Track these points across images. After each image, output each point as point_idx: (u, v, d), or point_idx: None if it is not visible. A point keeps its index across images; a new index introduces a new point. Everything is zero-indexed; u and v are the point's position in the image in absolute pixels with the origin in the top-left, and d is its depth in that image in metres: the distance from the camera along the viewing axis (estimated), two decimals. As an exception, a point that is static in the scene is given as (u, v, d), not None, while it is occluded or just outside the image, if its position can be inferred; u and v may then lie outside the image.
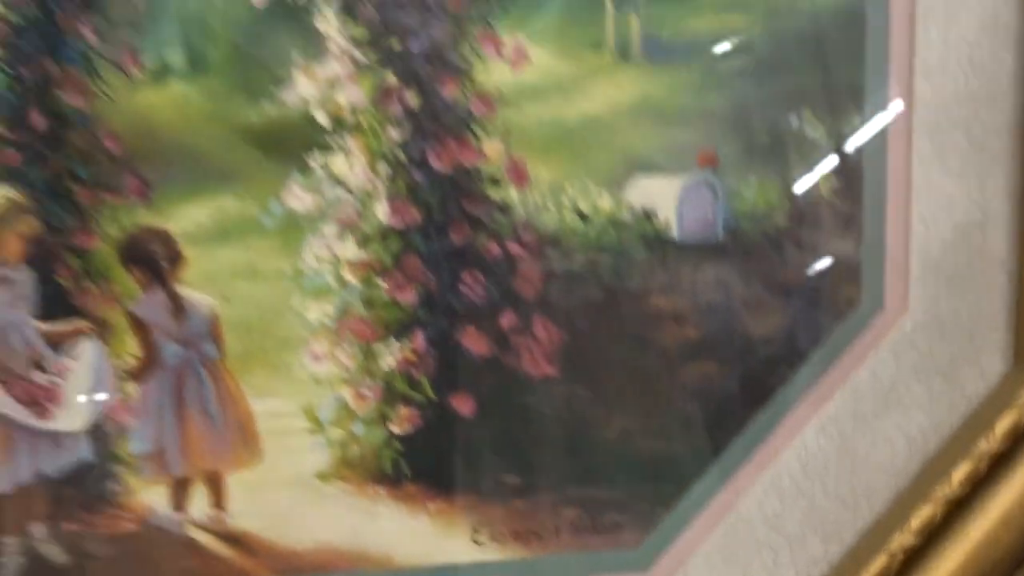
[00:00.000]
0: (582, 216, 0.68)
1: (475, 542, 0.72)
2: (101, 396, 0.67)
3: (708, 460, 0.73)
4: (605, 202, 0.69)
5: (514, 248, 0.69)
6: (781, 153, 0.70)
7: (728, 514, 0.73)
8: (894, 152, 0.71)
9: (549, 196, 0.69)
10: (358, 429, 0.70)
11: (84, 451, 0.68)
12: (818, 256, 0.71)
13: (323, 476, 0.70)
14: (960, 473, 0.72)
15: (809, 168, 0.70)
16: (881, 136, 0.71)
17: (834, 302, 0.72)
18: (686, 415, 0.71)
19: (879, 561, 0.72)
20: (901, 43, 0.70)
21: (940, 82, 0.71)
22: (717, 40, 0.68)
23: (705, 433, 0.72)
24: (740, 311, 0.71)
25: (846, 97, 0.71)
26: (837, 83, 0.70)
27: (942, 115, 0.71)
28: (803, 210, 0.71)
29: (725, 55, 0.68)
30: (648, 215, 0.69)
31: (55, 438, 0.67)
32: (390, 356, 0.69)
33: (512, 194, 0.68)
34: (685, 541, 0.73)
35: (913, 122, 0.71)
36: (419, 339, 0.69)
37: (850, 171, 0.71)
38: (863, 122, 0.71)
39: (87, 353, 0.67)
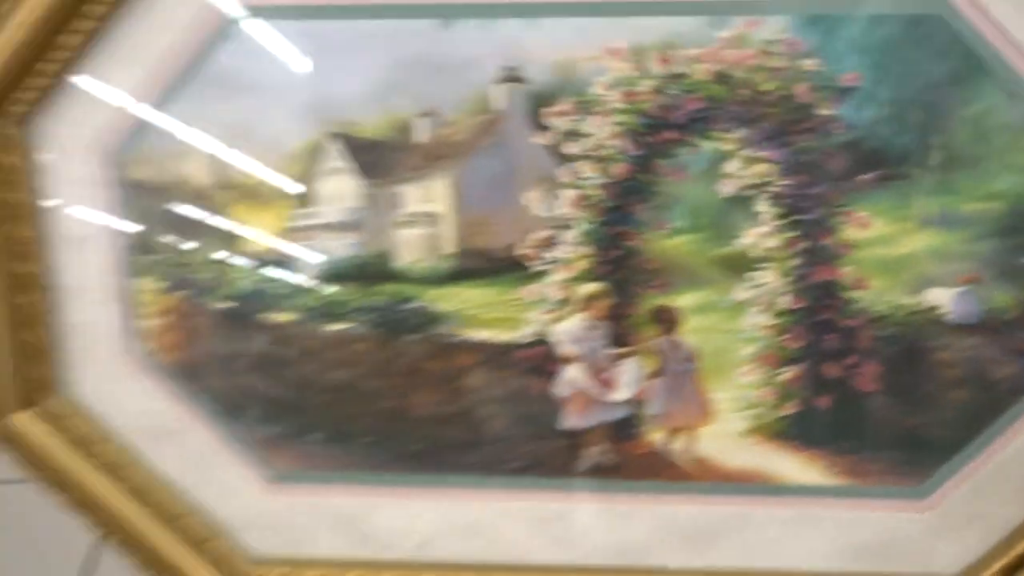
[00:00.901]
0: (897, 308, 1.33)
1: (827, 475, 1.41)
2: (636, 386, 1.42)
3: (965, 442, 1.37)
4: (910, 300, 1.33)
5: (855, 322, 1.35)
6: (1016, 278, 1.31)
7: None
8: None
9: (878, 297, 1.34)
10: (764, 411, 1.40)
11: (625, 411, 1.43)
12: (1039, 334, 1.32)
13: (743, 434, 1.40)
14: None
15: (1035, 286, 1.31)
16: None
17: (1045, 362, 1.33)
18: (950, 418, 1.35)
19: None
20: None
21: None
22: (982, 215, 1.30)
23: (962, 428, 1.36)
24: (986, 363, 1.33)
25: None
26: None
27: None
28: (1031, 308, 1.32)
29: (983, 223, 1.30)
30: (934, 308, 1.33)
31: (612, 404, 1.42)
32: (782, 376, 1.38)
33: (856, 295, 1.34)
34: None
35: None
36: (801, 368, 1.38)
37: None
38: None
39: (631, 364, 1.41)
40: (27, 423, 1.42)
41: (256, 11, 1.30)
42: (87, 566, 1.48)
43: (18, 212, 1.36)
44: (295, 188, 1.37)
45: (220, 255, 1.40)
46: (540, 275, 1.36)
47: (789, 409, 1.35)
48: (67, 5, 1.30)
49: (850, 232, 1.30)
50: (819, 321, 1.33)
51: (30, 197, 1.37)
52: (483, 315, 1.38)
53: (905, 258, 1.29)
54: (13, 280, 1.37)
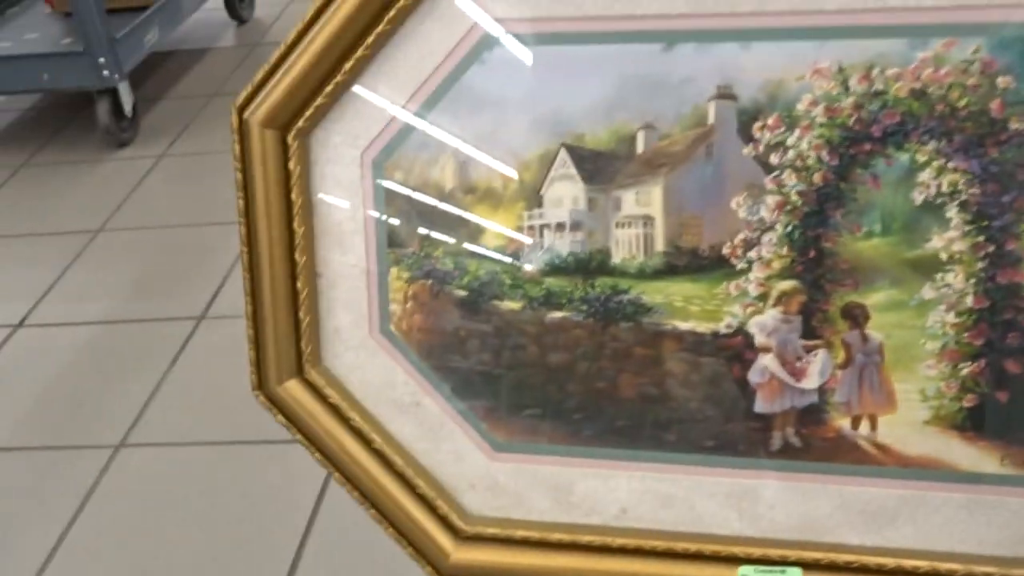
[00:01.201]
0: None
1: (1002, 464, 1.28)
2: (825, 374, 1.32)
3: None
4: (1092, 303, 1.21)
5: (1040, 320, 1.23)
6: None
7: None
8: None
9: (1060, 298, 1.22)
10: (945, 402, 1.28)
11: (814, 398, 1.33)
12: None
13: (925, 422, 1.29)
14: None
15: None
16: None
17: None
18: None
19: None
20: None
21: None
22: None
23: None
24: None
25: None
26: None
27: None
28: None
29: None
30: (1117, 311, 1.20)
31: (802, 391, 1.32)
32: (966, 369, 1.27)
33: (1039, 296, 1.22)
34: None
35: None
36: (982, 363, 1.26)
37: None
38: None
39: (821, 355, 1.31)
40: (293, 390, 1.41)
41: (503, 39, 1.27)
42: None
43: (297, 211, 1.35)
44: (528, 191, 1.33)
45: (460, 249, 1.36)
46: (742, 272, 1.28)
47: (969, 402, 1.24)
48: (349, 41, 1.29)
49: (1039, 237, 1.18)
50: (1001, 320, 1.22)
51: (306, 198, 1.36)
52: (689, 307, 1.31)
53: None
54: (291, 268, 1.37)
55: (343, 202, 1.37)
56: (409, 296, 1.39)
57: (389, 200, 1.36)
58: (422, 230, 1.37)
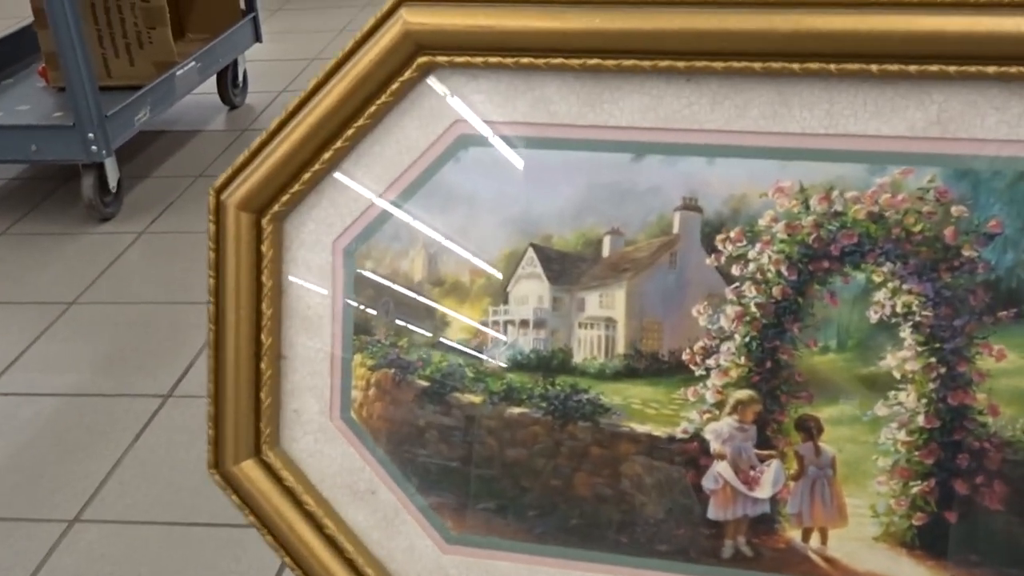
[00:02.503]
0: (1022, 437, 1.23)
1: (950, 585, 1.28)
2: (778, 485, 1.33)
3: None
4: (1040, 427, 1.23)
5: (986, 445, 1.24)
6: None
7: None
8: None
9: (1009, 423, 1.23)
10: (895, 519, 1.28)
11: (766, 507, 1.33)
12: None
13: (875, 538, 1.28)
14: None
15: None
16: None
17: None
18: (1075, 542, 1.23)
19: None
20: None
21: None
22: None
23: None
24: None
25: None
26: None
27: None
28: None
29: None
30: (1063, 437, 1.22)
31: (755, 500, 1.33)
32: (916, 488, 1.27)
33: (989, 419, 1.23)
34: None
35: None
36: (932, 482, 1.26)
37: None
38: None
39: (774, 465, 1.32)
40: (249, 470, 1.40)
41: (479, 140, 1.30)
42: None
43: (266, 293, 1.36)
44: (495, 288, 1.35)
45: (425, 340, 1.37)
46: (700, 379, 1.30)
47: (919, 520, 1.25)
48: (329, 132, 1.32)
49: (986, 362, 1.20)
50: (951, 441, 1.23)
51: (277, 280, 1.38)
52: (646, 410, 1.32)
53: (1037, 389, 1.19)
54: (256, 349, 1.37)
55: (313, 287, 1.39)
56: (372, 383, 1.39)
57: (359, 288, 1.38)
58: (388, 320, 1.38)
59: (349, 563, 1.37)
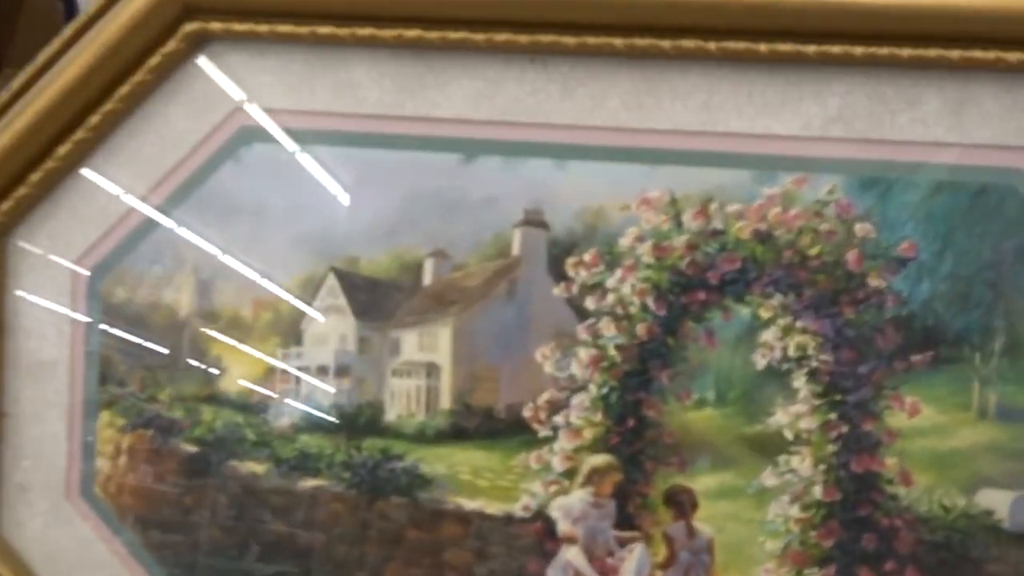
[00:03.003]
0: (945, 508, 0.99)
1: None
2: (643, 575, 1.05)
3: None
4: (961, 502, 0.98)
5: (898, 522, 1.00)
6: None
7: None
8: None
9: (924, 494, 0.99)
10: (788, 617, 1.03)
11: (628, 605, 1.05)
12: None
13: (762, 642, 1.03)
14: None
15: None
16: None
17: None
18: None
19: None
20: None
21: None
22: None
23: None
24: (1047, 582, 0.98)
25: None
26: None
27: None
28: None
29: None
30: (989, 512, 0.98)
31: (614, 595, 1.05)
32: (813, 576, 1.02)
33: (900, 490, 0.99)
34: None
35: None
36: (832, 569, 1.01)
37: None
38: None
39: (637, 551, 1.04)
40: (-48, 566, 1.04)
41: (265, 134, 1.00)
42: None
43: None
44: (286, 324, 1.04)
45: (192, 393, 1.05)
46: (545, 441, 1.02)
47: (815, 618, 0.98)
48: (67, 118, 1.01)
49: (897, 419, 0.96)
50: (855, 517, 0.99)
51: (-5, 313, 1.03)
52: (477, 481, 1.03)
53: (958, 453, 0.96)
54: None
55: (45, 324, 1.05)
56: (123, 449, 1.06)
57: (107, 324, 1.05)
58: (144, 366, 1.05)
59: None
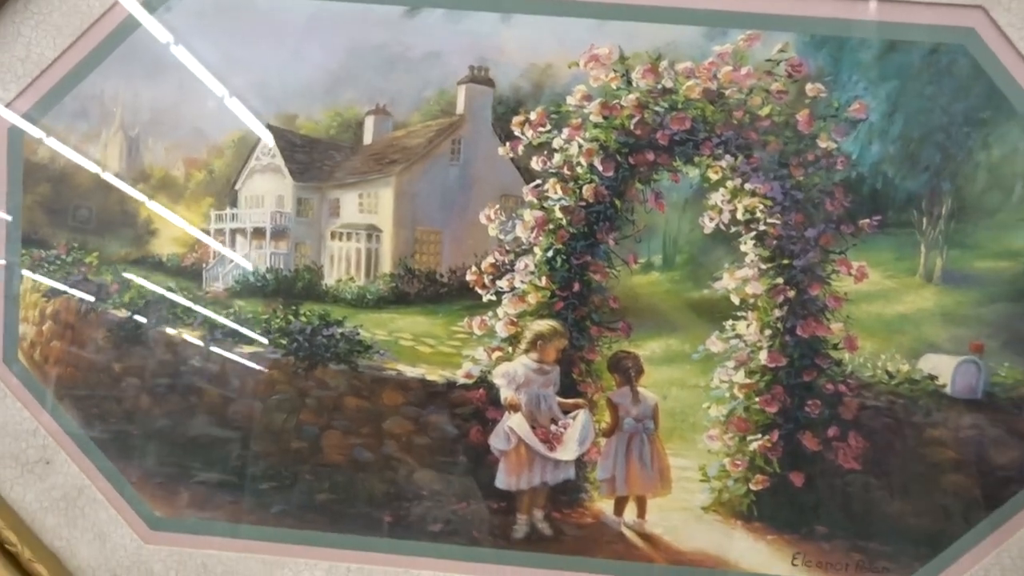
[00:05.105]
0: (889, 374, 0.97)
1: (793, 564, 1.01)
2: (586, 443, 1.02)
3: (957, 536, 0.99)
4: (905, 367, 0.97)
5: (842, 388, 0.98)
6: (1026, 350, 0.96)
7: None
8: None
9: (869, 359, 0.98)
10: (730, 484, 1.01)
11: (571, 472, 1.03)
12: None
13: (705, 508, 1.02)
14: None
15: (1045, 361, 0.96)
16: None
17: (1052, 449, 0.97)
18: (943, 505, 0.98)
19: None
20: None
21: None
22: (995, 275, 0.96)
23: (955, 519, 0.98)
24: (988, 445, 0.97)
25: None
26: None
27: None
28: (1037, 386, 0.97)
29: (995, 284, 0.95)
30: (932, 378, 0.97)
31: (556, 463, 1.02)
32: (756, 443, 1.00)
33: (845, 356, 0.97)
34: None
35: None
36: (775, 435, 1.00)
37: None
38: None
39: (581, 417, 1.02)
40: None
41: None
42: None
43: None
44: (219, 184, 0.98)
45: (121, 255, 0.99)
46: (489, 306, 0.98)
47: (758, 484, 0.97)
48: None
49: (844, 283, 0.94)
50: (800, 383, 0.97)
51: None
52: (419, 347, 0.99)
53: (903, 318, 0.94)
54: None
55: (-38, 181, 0.98)
56: (48, 315, 1.00)
57: (30, 180, 0.98)
58: (71, 229, 0.99)
59: (11, 558, 0.98)
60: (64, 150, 0.99)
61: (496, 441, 1.01)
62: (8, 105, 0.98)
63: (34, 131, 0.99)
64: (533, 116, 0.95)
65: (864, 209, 0.94)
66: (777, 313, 0.97)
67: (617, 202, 0.97)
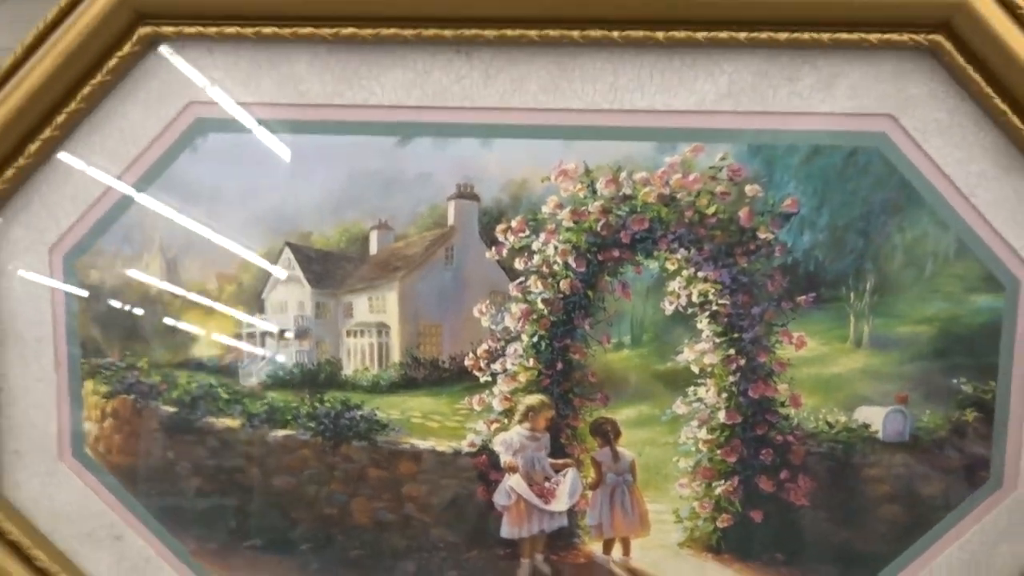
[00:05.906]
0: (830, 425, 1.14)
1: (757, 588, 1.19)
2: (575, 496, 1.19)
3: (893, 557, 1.16)
4: (843, 418, 1.14)
5: (790, 438, 1.15)
6: (944, 399, 1.13)
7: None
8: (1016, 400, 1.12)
9: (812, 413, 1.14)
10: (700, 523, 1.18)
11: (564, 521, 1.20)
12: (964, 453, 1.13)
13: (680, 544, 1.18)
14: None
15: (961, 408, 1.13)
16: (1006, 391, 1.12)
17: (970, 481, 1.14)
18: (881, 532, 1.15)
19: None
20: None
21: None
22: (913, 338, 1.12)
23: (892, 543, 1.15)
24: (916, 480, 1.14)
25: (988, 372, 1.12)
26: (982, 363, 1.12)
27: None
28: (956, 429, 1.13)
29: (914, 345, 1.12)
30: (866, 426, 1.14)
31: (551, 514, 1.19)
32: (720, 488, 1.17)
33: (792, 411, 1.14)
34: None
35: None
36: (736, 481, 1.17)
37: (987, 409, 1.13)
38: (997, 383, 1.12)
39: (570, 475, 1.18)
40: (-40, 525, 1.14)
41: (219, 124, 1.08)
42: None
43: (-35, 311, 1.11)
44: (248, 295, 1.14)
45: (168, 360, 1.15)
46: (485, 386, 1.14)
47: (723, 522, 1.14)
48: (35, 119, 1.09)
49: (786, 351, 1.10)
50: (754, 436, 1.14)
51: (-22, 296, 1.12)
52: (428, 423, 1.15)
53: (838, 377, 1.10)
54: (-45, 379, 1.12)
55: (27, 306, 1.14)
56: (108, 413, 1.16)
57: (84, 303, 1.14)
58: (122, 338, 1.15)
59: (92, 624, 1.15)
60: (113, 272, 1.15)
61: (499, 498, 1.17)
62: (63, 236, 1.14)
63: (87, 257, 1.14)
64: (514, 224, 1.11)
65: (800, 288, 1.10)
66: (731, 379, 1.14)
67: (590, 293, 1.13)
